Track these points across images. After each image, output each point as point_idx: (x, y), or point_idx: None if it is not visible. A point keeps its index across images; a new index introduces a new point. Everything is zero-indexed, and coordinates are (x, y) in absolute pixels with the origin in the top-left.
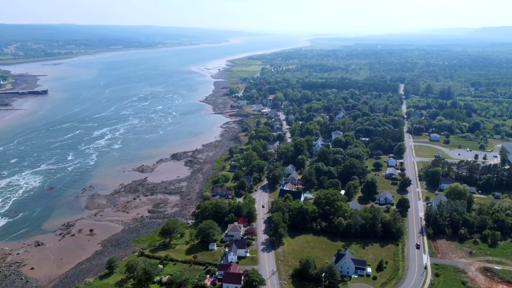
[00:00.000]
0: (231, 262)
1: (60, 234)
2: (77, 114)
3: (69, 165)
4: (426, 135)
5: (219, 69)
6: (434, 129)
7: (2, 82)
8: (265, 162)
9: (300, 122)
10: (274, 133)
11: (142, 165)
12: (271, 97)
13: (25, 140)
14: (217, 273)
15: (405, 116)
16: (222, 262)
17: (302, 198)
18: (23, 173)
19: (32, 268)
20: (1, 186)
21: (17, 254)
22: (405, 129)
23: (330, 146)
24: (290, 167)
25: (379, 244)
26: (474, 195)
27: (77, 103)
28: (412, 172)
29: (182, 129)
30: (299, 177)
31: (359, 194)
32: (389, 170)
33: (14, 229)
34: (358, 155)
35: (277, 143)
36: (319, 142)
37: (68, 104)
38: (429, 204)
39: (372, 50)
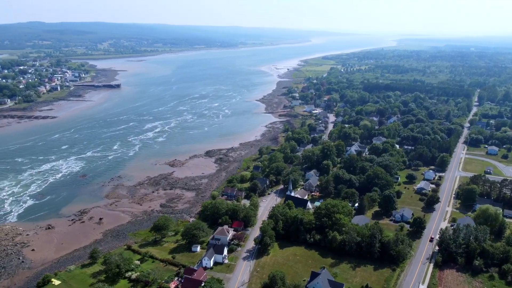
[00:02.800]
0: (202, 267)
1: (72, 220)
2: (137, 108)
3: (111, 154)
4: (485, 147)
5: (288, 69)
6: (494, 141)
7: (83, 75)
8: (285, 165)
9: (341, 125)
10: (310, 136)
11: (175, 159)
12: (326, 97)
13: (81, 129)
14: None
15: (467, 125)
16: (196, 266)
17: (309, 207)
18: (68, 159)
19: (33, 250)
20: (45, 169)
21: (27, 235)
22: (462, 139)
23: (366, 153)
24: (313, 172)
25: (373, 266)
26: None
27: (142, 98)
28: (450, 188)
29: (226, 127)
30: (318, 183)
31: (376, 208)
32: (421, 184)
33: (35, 211)
34: (387, 165)
35: (310, 145)
36: (353, 148)
37: (134, 98)
38: (452, 227)
39: (460, 52)
